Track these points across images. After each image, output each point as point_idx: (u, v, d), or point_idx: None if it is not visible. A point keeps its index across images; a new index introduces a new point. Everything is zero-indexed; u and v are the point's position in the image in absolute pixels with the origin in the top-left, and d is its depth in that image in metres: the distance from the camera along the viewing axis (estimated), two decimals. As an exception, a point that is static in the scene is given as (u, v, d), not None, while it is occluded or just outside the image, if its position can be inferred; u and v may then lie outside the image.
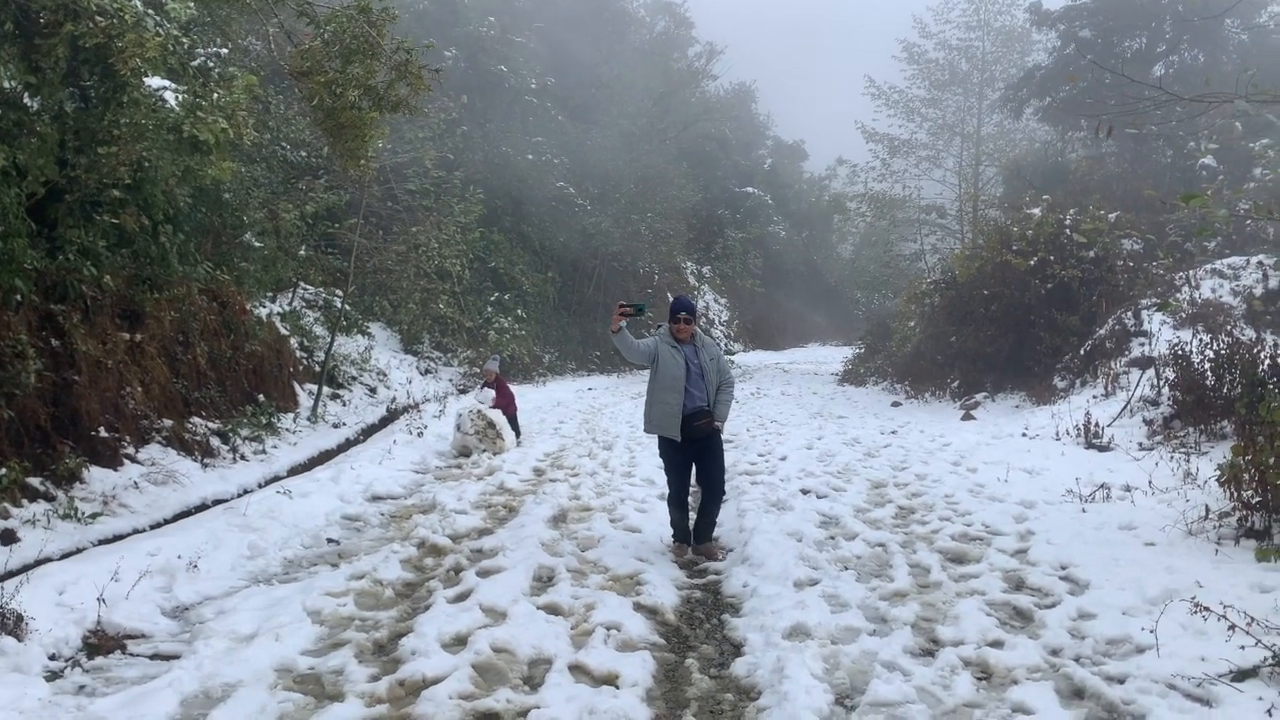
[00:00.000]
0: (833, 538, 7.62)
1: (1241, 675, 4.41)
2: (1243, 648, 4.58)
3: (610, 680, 4.73)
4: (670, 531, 7.57)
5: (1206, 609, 4.82)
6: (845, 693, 4.58)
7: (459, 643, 5.15)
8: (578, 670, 4.86)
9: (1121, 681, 4.54)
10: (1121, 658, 4.86)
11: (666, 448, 7.27)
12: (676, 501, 7.30)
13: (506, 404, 13.94)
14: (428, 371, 21.88)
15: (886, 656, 4.94)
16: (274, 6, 7.83)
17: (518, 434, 13.79)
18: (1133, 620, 5.29)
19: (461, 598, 5.98)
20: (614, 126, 33.31)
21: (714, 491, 7.41)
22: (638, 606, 5.91)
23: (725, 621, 5.78)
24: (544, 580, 6.48)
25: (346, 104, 7.50)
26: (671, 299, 7.39)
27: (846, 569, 6.72)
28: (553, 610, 5.77)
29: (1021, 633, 5.34)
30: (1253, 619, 4.80)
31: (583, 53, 35.73)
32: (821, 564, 6.79)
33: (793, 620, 5.43)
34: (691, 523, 7.55)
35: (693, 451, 7.23)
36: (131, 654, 5.05)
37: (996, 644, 5.14)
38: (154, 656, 5.04)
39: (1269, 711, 4.04)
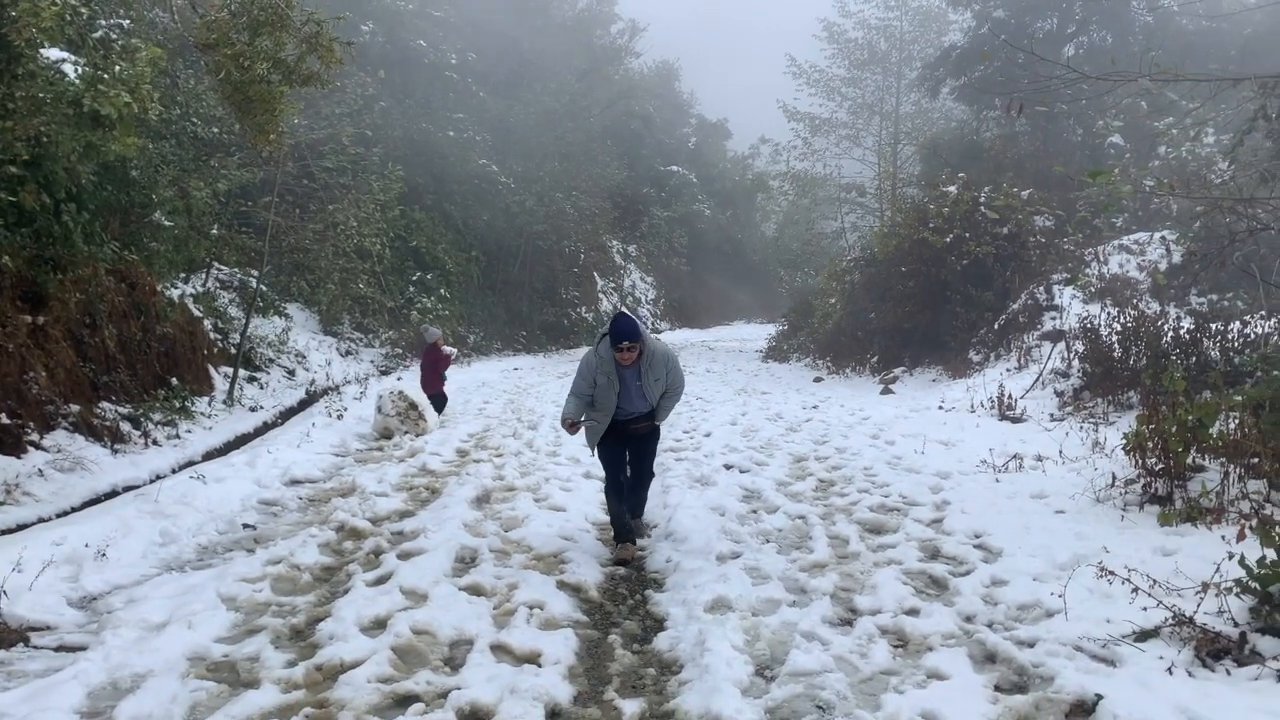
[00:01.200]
0: (755, 511, 7.69)
1: (1144, 636, 4.57)
2: (1145, 609, 4.75)
3: (532, 659, 4.72)
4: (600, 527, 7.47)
5: (1112, 573, 4.98)
6: (765, 664, 4.63)
7: (378, 626, 5.08)
8: (499, 650, 4.84)
9: (1031, 645, 4.67)
10: (1032, 622, 5.01)
11: (601, 441, 6.89)
12: (614, 489, 6.92)
13: (436, 362, 14.28)
14: (348, 353, 21.52)
15: (806, 627, 5.01)
16: (177, -25, 7.55)
17: (443, 399, 14.30)
18: (1043, 586, 5.45)
19: (381, 581, 5.90)
20: (537, 103, 33.00)
21: (643, 480, 7.23)
22: (561, 585, 5.90)
23: (649, 597, 5.81)
24: (466, 561, 6.43)
25: (255, 77, 7.27)
26: (610, 320, 6.59)
27: (768, 542, 6.80)
28: (475, 591, 5.74)
29: (937, 600, 5.47)
30: (1155, 581, 4.97)
31: (504, 28, 35.28)
32: (743, 537, 6.86)
33: (714, 594, 5.48)
34: None
35: (628, 445, 6.97)
36: (35, 646, 4.87)
37: (913, 612, 5.26)
38: (59, 649, 4.88)
39: (1169, 669, 4.20)
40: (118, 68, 7.54)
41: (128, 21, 10.55)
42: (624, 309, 5.63)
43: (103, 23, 9.21)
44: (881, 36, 34.53)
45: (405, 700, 4.25)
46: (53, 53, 8.28)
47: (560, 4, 43.14)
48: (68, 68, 8.14)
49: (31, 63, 7.32)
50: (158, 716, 4.02)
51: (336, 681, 4.36)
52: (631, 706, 4.15)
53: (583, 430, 6.85)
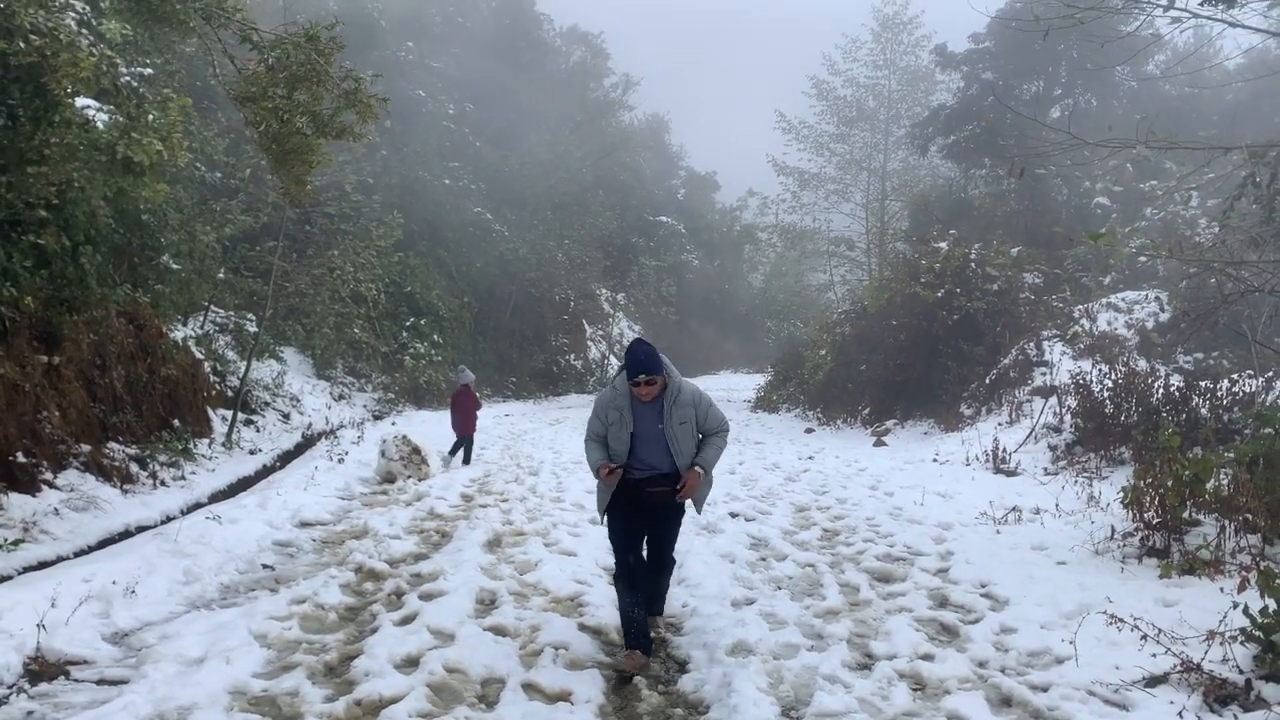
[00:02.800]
0: (764, 559, 7.86)
1: (1154, 681, 4.76)
2: (1154, 656, 4.94)
3: (563, 697, 4.85)
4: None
5: (1121, 621, 5.17)
6: (790, 704, 4.79)
7: (411, 664, 5.21)
8: (530, 689, 4.97)
9: (1045, 690, 4.85)
10: (1043, 668, 5.18)
11: (610, 507, 5.64)
12: (625, 577, 5.55)
13: (470, 411, 14.52)
14: (341, 397, 21.62)
15: (826, 670, 5.17)
16: (215, 29, 7.82)
17: (469, 449, 14.53)
18: (1051, 633, 5.64)
19: (407, 620, 6.03)
20: (531, 154, 33.50)
21: (662, 567, 6.02)
22: (582, 627, 6.04)
23: (669, 640, 5.95)
24: (486, 603, 6.56)
25: (292, 130, 7.54)
26: (627, 351, 5.57)
27: (780, 588, 6.96)
28: (499, 631, 5.87)
29: (949, 646, 5.64)
30: (1161, 630, 5.16)
31: (500, 80, 35.86)
32: (755, 584, 7.02)
33: (734, 637, 5.63)
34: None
35: (645, 518, 5.69)
36: (76, 679, 4.98)
37: (927, 657, 5.42)
38: (100, 682, 4.98)
39: (1180, 714, 4.38)
40: (150, 116, 7.77)
41: (148, 70, 10.84)
42: (642, 336, 4.77)
43: (125, 71, 9.47)
44: (870, 95, 35.26)
45: (446, 735, 4.38)
46: (81, 100, 8.53)
47: (555, 58, 43.90)
48: (97, 115, 8.37)
49: (67, 111, 7.54)
50: (208, 748, 4.14)
51: (378, 716, 4.49)
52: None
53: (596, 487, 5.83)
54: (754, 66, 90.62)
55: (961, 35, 25.60)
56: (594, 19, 46.49)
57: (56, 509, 8.43)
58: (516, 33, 40.32)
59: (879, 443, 17.12)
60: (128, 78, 9.41)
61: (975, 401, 16.69)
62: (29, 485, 8.65)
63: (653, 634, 5.82)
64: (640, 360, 5.42)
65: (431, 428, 18.49)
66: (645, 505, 5.63)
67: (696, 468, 5.56)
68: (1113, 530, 7.74)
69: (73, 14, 7.90)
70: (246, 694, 4.79)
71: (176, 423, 12.55)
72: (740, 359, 55.26)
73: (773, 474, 12.86)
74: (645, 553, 5.84)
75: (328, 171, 21.22)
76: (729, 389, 37.74)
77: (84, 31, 7.66)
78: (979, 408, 16.32)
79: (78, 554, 7.67)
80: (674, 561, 6.16)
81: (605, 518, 5.70)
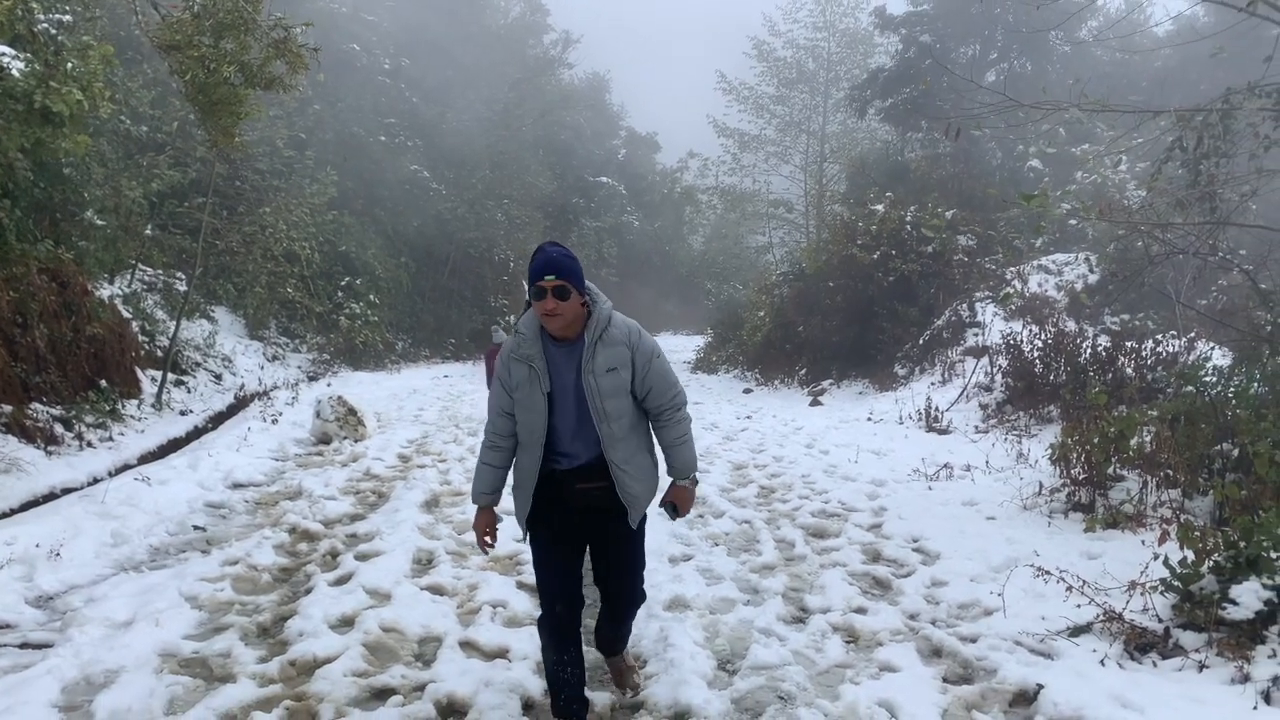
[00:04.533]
0: (701, 516, 7.92)
1: (1077, 631, 4.90)
2: (1078, 606, 5.09)
3: (501, 654, 4.85)
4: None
5: (1047, 573, 5.31)
6: (727, 658, 4.85)
7: (346, 624, 5.17)
8: (468, 646, 4.97)
9: (974, 640, 4.97)
10: (972, 619, 5.31)
11: (532, 521, 3.80)
12: (550, 625, 3.77)
13: None
14: (275, 358, 21.23)
15: (762, 624, 5.24)
16: (136, -26, 7.53)
17: None
18: (980, 586, 5.78)
19: (342, 580, 5.97)
20: (469, 111, 32.99)
21: (620, 601, 4.06)
22: (520, 585, 6.03)
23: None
24: (424, 563, 6.52)
25: (220, 80, 7.30)
26: (533, 256, 3.58)
27: (717, 545, 7.03)
28: (437, 590, 5.85)
29: (882, 600, 5.75)
30: (1085, 582, 5.31)
31: (437, 35, 35.16)
32: (693, 540, 7.08)
33: (672, 593, 5.68)
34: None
35: (583, 533, 3.87)
36: (-1, 644, 4.86)
37: (860, 610, 5.52)
38: (23, 646, 4.86)
39: (1102, 661, 4.53)
40: (70, 64, 7.47)
41: (68, 17, 10.42)
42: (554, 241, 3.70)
43: (43, 18, 9.09)
44: (810, 56, 35.31)
45: (383, 693, 4.36)
46: (-3, 47, 8.17)
47: (494, 13, 43.13)
48: (12, 63, 8.03)
49: (-20, 57, 7.22)
50: (137, 710, 4.07)
51: (313, 676, 4.45)
52: (603, 698, 4.31)
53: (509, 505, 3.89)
54: (696, 28, 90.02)
55: (901, -2, 25.71)
56: (533, -26, 45.70)
57: (-24, 471, 8.17)
58: (454, -14, 39.51)
59: (815, 402, 17.32)
60: (45, 24, 9.03)
61: (909, 362, 16.96)
62: (-54, 447, 8.37)
63: (623, 668, 4.40)
64: (549, 261, 3.48)
65: (368, 389, 18.31)
66: (576, 509, 3.75)
67: (680, 481, 3.88)
68: (1040, 486, 7.93)
69: (-16, -45, 7.55)
70: (177, 656, 4.71)
71: (103, 383, 12.22)
72: (680, 320, 55.36)
73: (711, 433, 12.95)
74: (603, 582, 3.98)
75: (259, 125, 20.70)
76: (670, 350, 37.82)
77: (-4, -26, 7.32)
78: (913, 368, 16.59)
79: (1, 516, 7.45)
80: (644, 596, 4.12)
81: (527, 536, 3.84)
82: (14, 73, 8.03)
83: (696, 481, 3.99)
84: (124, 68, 15.78)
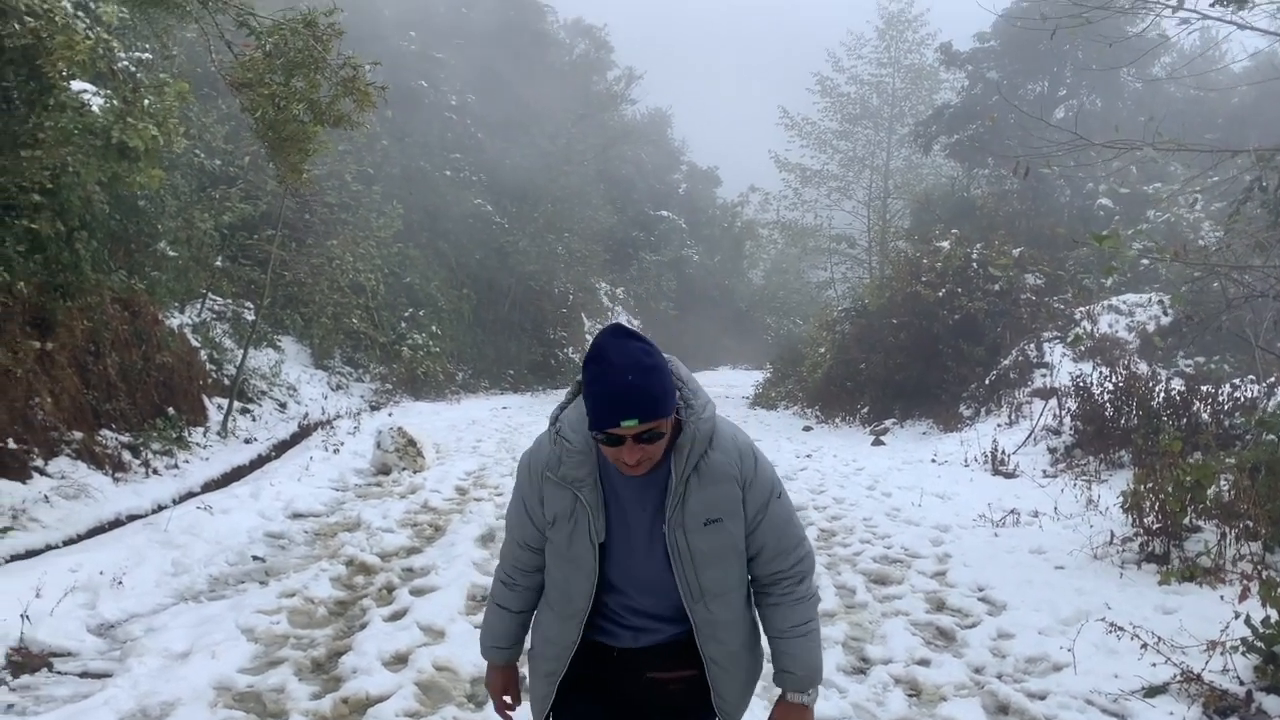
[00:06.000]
0: (759, 559, 7.77)
1: (1153, 691, 4.69)
2: (1154, 665, 4.87)
3: (554, 698, 4.77)
4: None
5: (1120, 628, 5.11)
6: (784, 709, 4.71)
7: (400, 661, 5.14)
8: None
9: (1043, 698, 4.78)
10: (1041, 675, 5.11)
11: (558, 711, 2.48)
12: None
13: None
14: (339, 387, 21.52)
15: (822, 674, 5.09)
16: (212, 14, 7.73)
17: None
18: (1049, 640, 5.57)
19: (397, 616, 5.95)
20: (533, 146, 33.40)
21: None
22: (574, 625, 5.96)
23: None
24: (479, 599, 6.47)
25: (290, 117, 7.45)
26: (591, 356, 2.13)
27: (775, 589, 6.88)
28: (490, 629, 5.79)
29: (946, 651, 5.57)
30: (1160, 638, 5.10)
31: (503, 71, 35.74)
32: (751, 584, 6.94)
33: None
34: None
35: None
36: (59, 672, 4.90)
37: (924, 662, 5.35)
38: (84, 675, 4.90)
39: (1179, 725, 4.31)
40: (146, 101, 7.68)
41: (147, 54, 10.74)
42: (620, 323, 2.08)
43: (123, 56, 9.37)
44: (874, 92, 35.22)
45: (433, 735, 4.31)
46: (77, 84, 8.43)
47: (559, 50, 43.74)
48: (92, 99, 8.28)
49: (62, 94, 7.45)
50: (190, 745, 4.07)
51: (364, 715, 4.41)
52: None
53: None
54: (759, 63, 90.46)
55: (966, 34, 25.54)
56: (598, 12, 46.32)
57: (47, 496, 8.34)
58: (520, 25, 40.16)
59: (877, 442, 17.04)
60: (125, 62, 9.31)
61: (975, 402, 16.63)
62: (19, 472, 8.56)
63: None
64: (630, 390, 2.08)
65: (428, 420, 18.44)
66: (639, 711, 2.46)
67: (794, 695, 2.41)
68: (1112, 535, 7.67)
69: (69, -4, 7.82)
70: (231, 690, 4.71)
71: (171, 410, 12.46)
72: (739, 355, 55.15)
73: (770, 472, 12.78)
74: None
75: (327, 160, 21.14)
76: (727, 385, 37.68)
77: (80, 14, 7.57)
78: (978, 408, 16.26)
79: (67, 543, 7.58)
80: None
81: None
82: (94, 109, 8.27)
83: (814, 699, 2.46)
84: (199, 103, 16.22)
